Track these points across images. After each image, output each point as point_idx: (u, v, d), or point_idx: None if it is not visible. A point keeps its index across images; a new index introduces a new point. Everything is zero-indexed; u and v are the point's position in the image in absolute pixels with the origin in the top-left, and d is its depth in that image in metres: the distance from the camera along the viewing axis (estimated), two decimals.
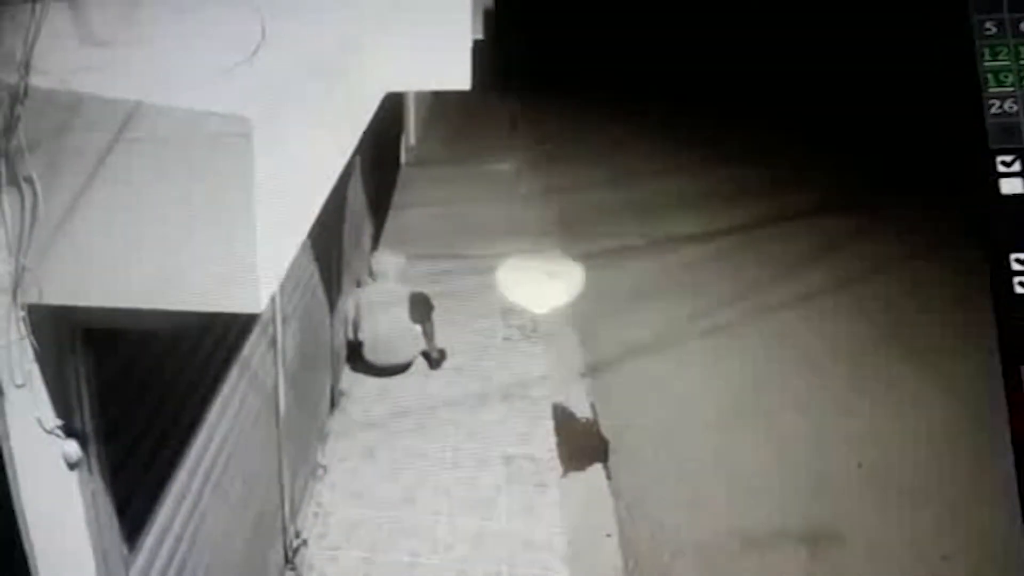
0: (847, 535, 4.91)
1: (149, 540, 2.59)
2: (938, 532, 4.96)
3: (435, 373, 6.18)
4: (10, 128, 1.55)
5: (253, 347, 3.57)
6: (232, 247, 1.70)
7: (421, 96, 11.03)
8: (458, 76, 3.86)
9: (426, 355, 6.23)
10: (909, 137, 11.48)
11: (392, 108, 8.50)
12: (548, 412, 5.79)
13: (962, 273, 7.91)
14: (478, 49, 3.98)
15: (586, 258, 8.06)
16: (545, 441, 5.49)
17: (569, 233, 8.67)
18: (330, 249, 5.29)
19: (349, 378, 6.05)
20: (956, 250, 8.29)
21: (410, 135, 10.78)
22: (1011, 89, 2.02)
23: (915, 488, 5.30)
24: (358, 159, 6.07)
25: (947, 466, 5.51)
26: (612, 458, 5.47)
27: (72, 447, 2.00)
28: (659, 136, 11.65)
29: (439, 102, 12.21)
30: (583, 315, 7.14)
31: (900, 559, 4.77)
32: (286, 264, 1.97)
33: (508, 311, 7.05)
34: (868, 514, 5.07)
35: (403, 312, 6.09)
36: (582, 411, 5.89)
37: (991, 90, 2.03)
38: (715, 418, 5.90)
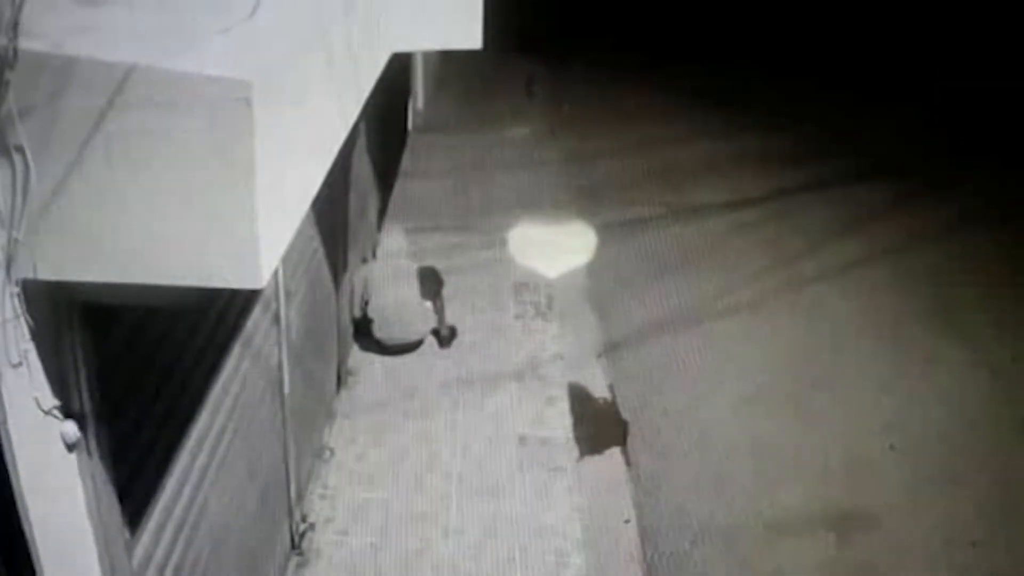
0: (877, 520, 4.94)
1: (151, 524, 2.63)
2: (970, 517, 4.98)
3: (445, 352, 6.20)
4: None
5: (255, 324, 3.60)
6: (232, 219, 1.71)
7: (430, 57, 10.95)
8: (470, 34, 3.83)
9: (436, 333, 6.25)
10: (952, 100, 11.34)
11: (399, 70, 8.47)
12: (563, 393, 5.80)
13: (1008, 245, 7.88)
14: (491, 6, 3.95)
15: (605, 230, 8.03)
16: (560, 423, 5.51)
17: (587, 203, 8.62)
18: (335, 221, 5.30)
19: (356, 357, 6.08)
20: (1004, 221, 8.24)
21: (418, 99, 10.71)
22: None
23: (950, 472, 5.31)
24: (363, 125, 6.06)
25: (983, 451, 5.51)
26: (631, 441, 5.49)
27: (71, 428, 2.04)
28: (684, 99, 11.52)
29: (449, 63, 12.13)
30: (601, 291, 7.13)
31: (930, 545, 4.80)
32: (288, 237, 1.98)
33: (522, 287, 7.04)
34: (899, 498, 5.10)
35: (413, 288, 6.10)
36: (599, 392, 5.91)
37: None
38: (741, 399, 5.90)
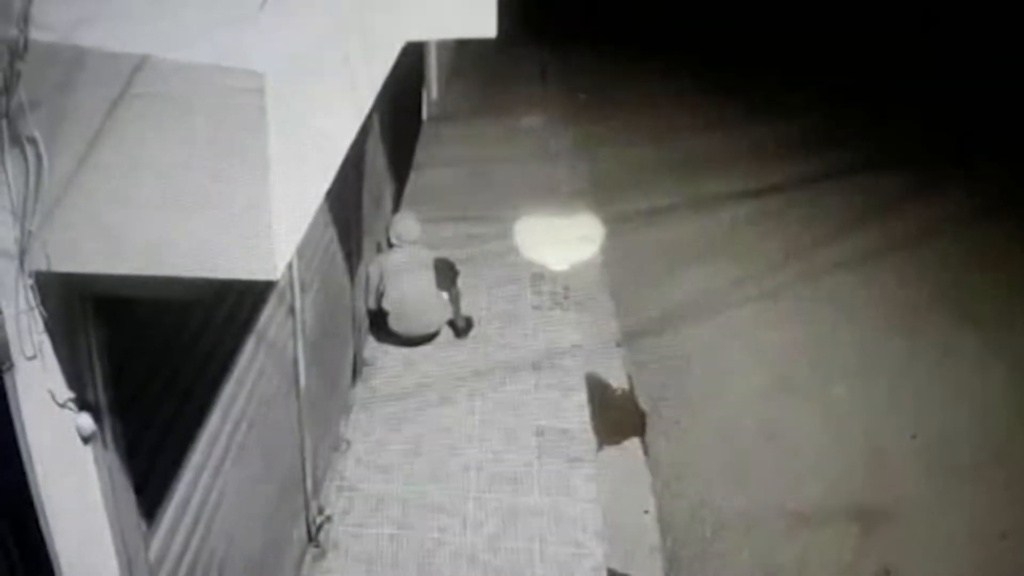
0: (901, 512, 4.88)
1: (168, 516, 2.63)
2: (996, 509, 4.92)
3: (461, 342, 6.19)
4: (10, 85, 1.54)
5: (270, 316, 3.59)
6: (246, 210, 1.69)
7: (444, 45, 10.92)
8: (484, 23, 3.80)
9: (452, 324, 6.24)
10: (966, 89, 11.21)
11: (413, 59, 8.45)
12: (581, 383, 5.78)
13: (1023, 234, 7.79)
14: None
15: (621, 219, 7.99)
16: (578, 414, 5.49)
17: (603, 192, 8.60)
18: (349, 212, 5.29)
19: (372, 348, 6.09)
20: (1019, 208, 8.16)
21: (432, 88, 10.70)
22: None
23: (972, 462, 5.25)
24: (377, 114, 6.04)
25: (1006, 440, 5.45)
26: (649, 432, 5.47)
27: (86, 420, 2.03)
28: (699, 88, 11.45)
29: (463, 52, 12.10)
30: (618, 280, 7.10)
31: (957, 537, 4.74)
32: (303, 228, 1.96)
33: (538, 276, 7.03)
34: (923, 489, 5.05)
35: (428, 278, 6.09)
36: (618, 382, 5.89)
37: None
38: (760, 389, 5.86)
